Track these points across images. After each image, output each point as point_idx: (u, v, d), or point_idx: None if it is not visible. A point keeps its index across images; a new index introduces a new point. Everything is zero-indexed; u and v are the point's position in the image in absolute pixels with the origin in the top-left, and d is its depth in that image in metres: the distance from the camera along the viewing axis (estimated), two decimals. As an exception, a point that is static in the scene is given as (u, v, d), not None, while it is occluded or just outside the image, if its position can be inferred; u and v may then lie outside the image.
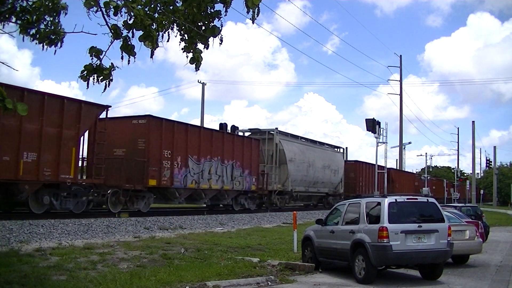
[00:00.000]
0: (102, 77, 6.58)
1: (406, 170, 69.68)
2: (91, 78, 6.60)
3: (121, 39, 6.55)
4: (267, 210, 30.47)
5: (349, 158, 51.50)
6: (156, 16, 6.60)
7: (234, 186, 27.12)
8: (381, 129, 36.56)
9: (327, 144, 41.48)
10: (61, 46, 7.60)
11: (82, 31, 6.75)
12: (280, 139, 32.25)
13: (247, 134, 32.08)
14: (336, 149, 42.42)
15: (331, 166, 38.88)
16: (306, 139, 37.84)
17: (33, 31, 7.47)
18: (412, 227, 10.36)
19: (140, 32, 6.44)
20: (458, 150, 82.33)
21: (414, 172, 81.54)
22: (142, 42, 6.48)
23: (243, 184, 27.92)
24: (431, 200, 11.37)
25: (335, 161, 40.02)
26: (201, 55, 6.87)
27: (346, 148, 49.41)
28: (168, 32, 6.81)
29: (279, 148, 31.89)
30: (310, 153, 35.77)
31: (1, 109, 5.38)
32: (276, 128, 33.24)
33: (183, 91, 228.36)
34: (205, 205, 29.30)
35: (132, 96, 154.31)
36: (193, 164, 23.92)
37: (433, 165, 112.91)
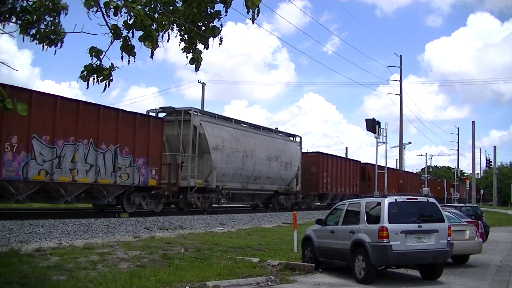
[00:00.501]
0: (102, 77, 6.59)
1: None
2: (91, 78, 6.61)
3: (121, 39, 6.56)
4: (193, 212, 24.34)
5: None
6: (156, 16, 6.61)
7: (119, 180, 19.83)
8: (381, 129, 36.58)
9: (276, 131, 33.38)
10: (61, 46, 7.63)
11: (82, 31, 6.77)
12: (200, 120, 24.82)
13: (161, 115, 25.08)
14: (289, 137, 34.56)
15: (280, 158, 31.19)
16: (244, 123, 30.04)
17: (33, 31, 7.50)
18: (412, 227, 10.36)
19: (140, 32, 6.45)
20: (458, 150, 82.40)
21: (415, 171, 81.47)
22: (142, 42, 6.49)
23: (135, 177, 20.61)
24: (431, 200, 11.39)
25: (286, 151, 32.23)
26: (201, 55, 6.88)
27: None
28: (168, 32, 6.82)
29: (199, 133, 24.47)
30: (248, 140, 28.30)
31: (1, 109, 5.39)
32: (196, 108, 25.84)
33: (183, 91, 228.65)
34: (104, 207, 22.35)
35: (132, 96, 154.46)
36: (41, 147, 16.91)
37: (433, 165, 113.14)
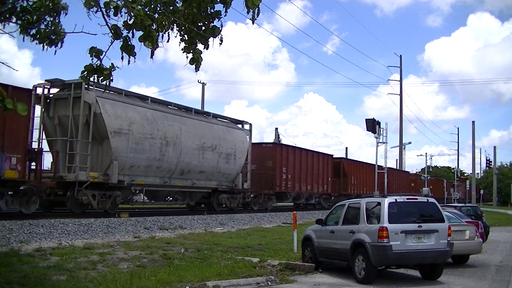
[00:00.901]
0: (102, 77, 6.59)
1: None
2: (91, 78, 6.61)
3: (121, 39, 6.55)
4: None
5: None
6: (156, 17, 6.61)
7: None
8: (381, 129, 36.49)
9: (216, 115, 27.37)
10: (61, 46, 7.62)
11: (82, 31, 6.76)
12: (97, 97, 19.33)
13: (54, 90, 20.28)
14: (233, 124, 28.52)
15: (219, 148, 25.56)
16: (169, 104, 24.40)
17: (34, 31, 7.49)
18: (412, 227, 10.37)
19: (140, 33, 6.44)
20: (458, 150, 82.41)
21: (415, 171, 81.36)
22: (142, 42, 6.48)
23: None
24: (431, 200, 11.40)
25: (229, 141, 26.50)
26: (201, 55, 6.87)
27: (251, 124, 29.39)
28: (168, 33, 6.81)
29: (94, 112, 19.18)
30: (170, 124, 22.74)
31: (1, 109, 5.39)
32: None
33: (183, 91, 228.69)
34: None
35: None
36: None
37: (433, 165, 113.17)
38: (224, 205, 27.21)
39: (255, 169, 29.86)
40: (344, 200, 13.00)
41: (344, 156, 59.87)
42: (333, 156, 40.63)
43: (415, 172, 68.76)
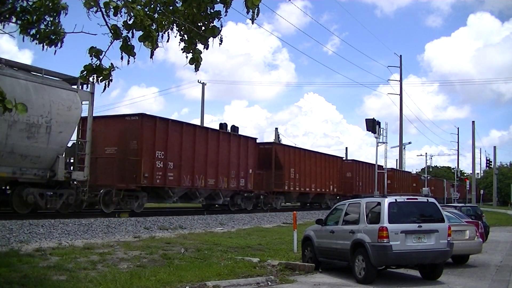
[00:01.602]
0: (102, 77, 6.59)
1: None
2: (91, 78, 6.61)
3: (121, 39, 6.56)
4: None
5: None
6: (156, 17, 6.61)
7: None
8: (381, 129, 36.44)
9: (19, 64, 17.15)
10: (61, 46, 7.64)
11: (82, 31, 6.77)
12: None
13: None
14: (57, 80, 18.07)
15: (12, 115, 14.30)
16: None
17: (34, 31, 7.51)
18: (412, 227, 10.37)
19: (140, 33, 6.45)
20: (458, 150, 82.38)
21: (415, 171, 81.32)
22: (142, 43, 6.48)
23: None
24: (431, 200, 11.41)
25: (38, 104, 16.44)
26: (201, 55, 6.88)
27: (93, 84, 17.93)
28: (168, 33, 6.82)
29: None
30: None
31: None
32: None
33: (183, 91, 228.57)
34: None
35: (132, 96, 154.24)
36: None
37: (433, 165, 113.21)
38: (39, 205, 17.35)
39: (115, 153, 21.00)
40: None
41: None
42: (256, 140, 29.97)
43: (391, 168, 53.65)
